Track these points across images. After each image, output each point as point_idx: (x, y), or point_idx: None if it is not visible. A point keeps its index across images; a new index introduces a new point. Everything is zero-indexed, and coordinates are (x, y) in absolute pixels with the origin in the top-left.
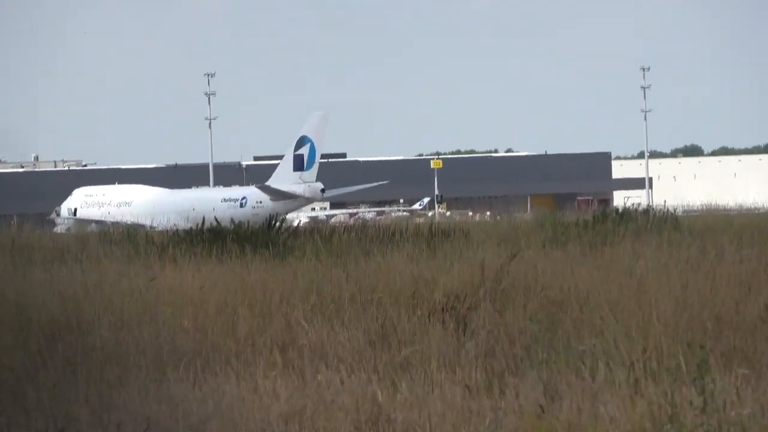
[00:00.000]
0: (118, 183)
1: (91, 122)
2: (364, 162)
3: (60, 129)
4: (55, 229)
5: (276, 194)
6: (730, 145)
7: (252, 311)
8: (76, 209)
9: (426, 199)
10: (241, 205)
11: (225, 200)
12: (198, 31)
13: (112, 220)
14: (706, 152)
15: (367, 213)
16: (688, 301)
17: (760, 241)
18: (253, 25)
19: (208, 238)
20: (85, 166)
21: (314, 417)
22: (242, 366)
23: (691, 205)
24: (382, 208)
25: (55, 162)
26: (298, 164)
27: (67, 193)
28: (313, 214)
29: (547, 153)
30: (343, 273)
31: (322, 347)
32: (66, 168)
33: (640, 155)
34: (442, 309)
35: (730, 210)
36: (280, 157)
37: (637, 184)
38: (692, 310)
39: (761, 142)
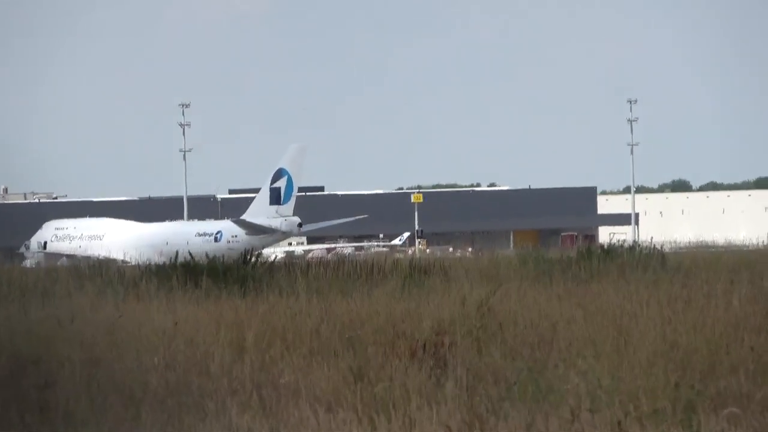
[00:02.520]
0: (90, 216)
1: (63, 153)
2: (342, 196)
3: (30, 160)
4: (24, 263)
5: (252, 228)
6: (718, 181)
7: (227, 348)
8: (46, 243)
9: (406, 234)
10: (216, 240)
11: (199, 234)
12: (173, 61)
13: (83, 254)
14: (694, 187)
15: (346, 248)
16: (675, 340)
17: (750, 278)
18: (229, 56)
19: (182, 274)
20: (56, 198)
21: None
22: (216, 405)
23: (678, 241)
24: (361, 243)
25: (24, 194)
26: (275, 198)
27: (37, 226)
28: (290, 248)
29: (531, 187)
30: (320, 309)
31: (299, 385)
32: (36, 200)
33: (627, 190)
34: (422, 346)
35: (719, 246)
36: (257, 190)
37: (623, 219)
38: (678, 350)
39: (750, 178)
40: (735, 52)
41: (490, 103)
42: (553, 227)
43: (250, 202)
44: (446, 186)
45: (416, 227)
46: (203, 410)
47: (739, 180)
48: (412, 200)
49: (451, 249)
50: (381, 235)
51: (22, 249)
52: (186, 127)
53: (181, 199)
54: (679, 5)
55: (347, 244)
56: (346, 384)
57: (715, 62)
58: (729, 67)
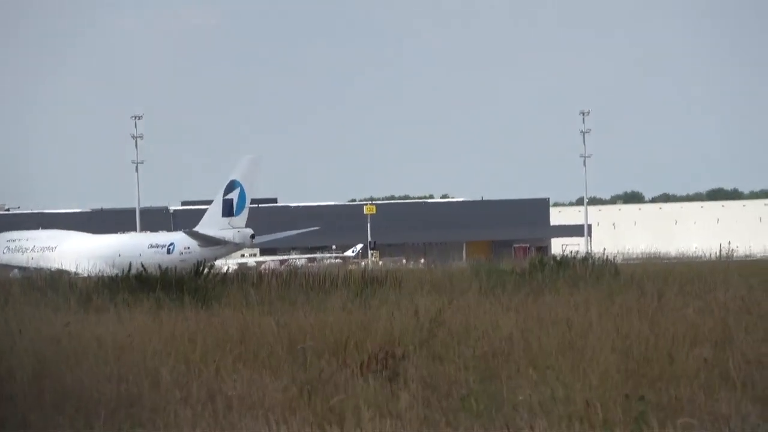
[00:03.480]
0: (42, 228)
1: (14, 165)
2: (295, 207)
3: None
4: None
5: (204, 240)
6: (671, 192)
7: (179, 360)
8: None
9: (359, 246)
10: (169, 251)
11: (152, 246)
12: (125, 73)
13: (35, 265)
14: (646, 199)
15: (299, 260)
16: (628, 351)
17: (702, 289)
18: (182, 68)
19: (134, 285)
20: (8, 210)
21: None
22: (168, 416)
23: (631, 252)
24: (314, 255)
25: None
26: (228, 209)
27: None
28: (243, 260)
29: (484, 199)
30: (273, 321)
31: (251, 397)
32: None
33: (579, 201)
34: (375, 357)
35: (671, 258)
36: (209, 202)
37: (575, 231)
38: (632, 360)
39: (702, 190)
40: (688, 63)
41: (443, 114)
42: (506, 239)
43: (203, 214)
44: (399, 197)
45: (369, 239)
46: (155, 422)
47: (691, 192)
48: (365, 212)
49: (404, 260)
50: (334, 247)
51: None
52: (138, 138)
53: (133, 210)
54: (630, 16)
55: (300, 256)
56: (299, 395)
57: (668, 74)
58: (682, 79)
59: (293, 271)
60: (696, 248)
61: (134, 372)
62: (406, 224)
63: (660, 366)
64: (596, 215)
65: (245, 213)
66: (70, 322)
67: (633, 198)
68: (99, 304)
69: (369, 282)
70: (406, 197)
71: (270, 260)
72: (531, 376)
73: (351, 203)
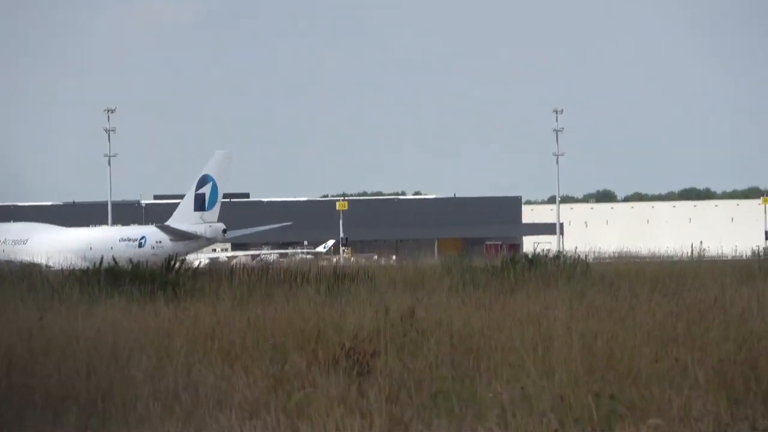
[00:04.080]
0: (14, 220)
1: None
2: (267, 202)
3: None
4: None
5: (176, 234)
6: (643, 191)
7: (150, 354)
8: None
9: (331, 242)
10: (140, 245)
11: (123, 239)
12: (99, 67)
13: (6, 258)
14: (619, 198)
15: (270, 255)
16: (598, 350)
17: (673, 289)
18: (156, 63)
19: (106, 278)
20: None
21: None
22: (139, 411)
23: (603, 251)
24: (286, 251)
25: None
26: (200, 204)
27: None
28: (214, 255)
29: (456, 196)
30: (244, 316)
31: (222, 392)
32: None
33: (552, 200)
34: (346, 354)
35: (643, 257)
36: (181, 197)
37: (547, 229)
38: (601, 359)
39: (675, 189)
40: (662, 63)
41: (416, 111)
42: (478, 236)
43: (175, 208)
44: (371, 194)
45: (341, 235)
46: (126, 417)
47: (664, 191)
48: (337, 208)
49: (375, 257)
50: (306, 243)
51: None
52: (111, 132)
53: (105, 204)
54: (605, 14)
55: (272, 251)
56: (269, 391)
57: (641, 73)
58: (654, 78)
59: (265, 267)
60: (668, 247)
61: (105, 366)
62: (378, 221)
63: (630, 365)
64: (568, 214)
65: (217, 208)
66: (43, 316)
67: (605, 197)
68: (70, 298)
69: (340, 278)
70: (379, 194)
71: (242, 255)
72: (502, 373)
73: (323, 199)
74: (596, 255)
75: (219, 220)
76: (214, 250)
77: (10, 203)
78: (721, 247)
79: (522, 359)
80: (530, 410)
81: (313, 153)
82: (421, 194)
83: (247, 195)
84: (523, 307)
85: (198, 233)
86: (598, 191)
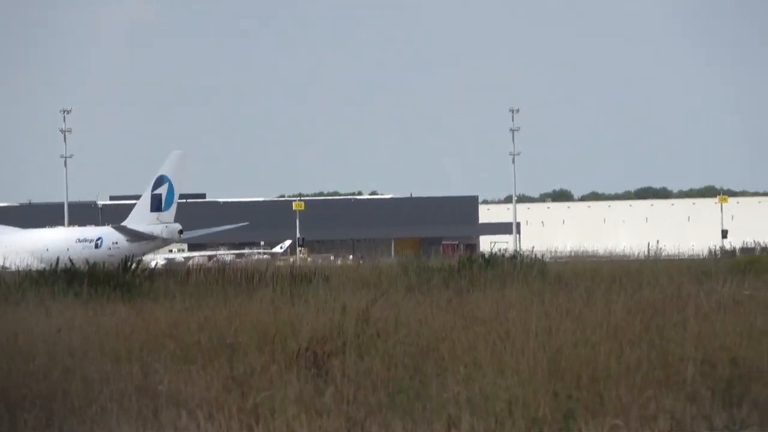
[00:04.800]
0: None
1: None
2: (223, 203)
3: None
4: None
5: (132, 235)
6: (600, 191)
7: (107, 355)
8: None
9: (288, 242)
10: (97, 246)
11: (80, 240)
12: (55, 66)
13: None
14: (575, 197)
15: (227, 255)
16: (556, 349)
17: (630, 288)
18: (112, 62)
19: (63, 280)
20: None
21: None
22: (96, 412)
23: (559, 250)
24: (242, 251)
25: None
26: (156, 204)
27: None
28: (171, 255)
29: (413, 196)
30: (200, 316)
31: (179, 393)
32: None
33: (508, 199)
34: (303, 354)
35: (600, 256)
36: (138, 197)
37: (504, 228)
38: (559, 359)
39: (631, 188)
40: (616, 62)
41: (372, 110)
42: (435, 236)
43: (131, 209)
44: (328, 194)
45: (298, 235)
46: (82, 418)
47: (620, 190)
48: (293, 208)
49: (332, 257)
50: (262, 243)
51: None
52: (67, 133)
53: (61, 205)
54: (559, 14)
55: (228, 252)
56: (226, 391)
57: (597, 72)
58: (609, 78)
59: (221, 267)
60: (624, 247)
61: (62, 367)
62: (335, 221)
63: (588, 365)
64: (525, 213)
65: (174, 208)
66: None
67: (562, 196)
68: (26, 299)
69: (297, 278)
70: (335, 194)
71: (198, 256)
72: (459, 373)
73: (280, 199)
74: (553, 254)
75: (175, 221)
76: (171, 251)
77: None
78: (678, 246)
79: (479, 359)
80: (487, 410)
81: (269, 153)
82: (377, 194)
83: (203, 195)
84: (481, 306)
85: (154, 234)
86: (554, 191)
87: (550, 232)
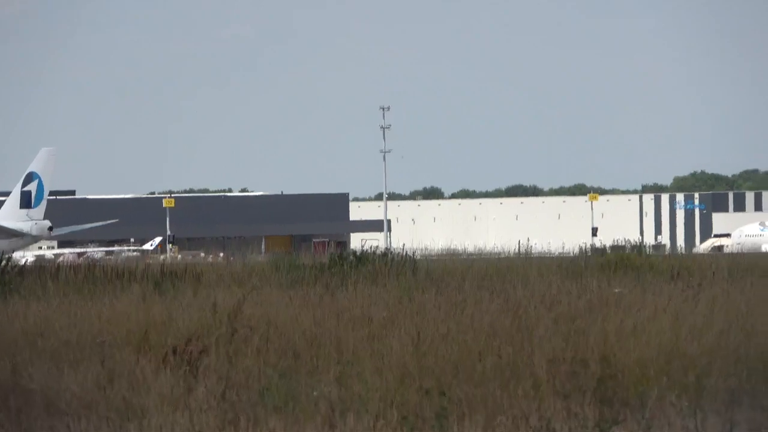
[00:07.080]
0: None
1: None
2: (93, 200)
3: None
4: None
5: (1, 232)
6: (470, 188)
7: None
8: None
9: (158, 239)
10: None
11: None
12: None
13: None
14: (446, 195)
15: (97, 253)
16: (428, 347)
17: (500, 286)
18: None
19: None
20: None
21: None
22: None
23: (430, 248)
24: (112, 248)
25: None
26: (26, 201)
27: None
28: (40, 252)
29: (283, 193)
30: (70, 314)
31: (49, 392)
32: None
33: (379, 197)
34: (173, 352)
35: (470, 254)
36: (7, 194)
37: (375, 226)
38: (432, 357)
39: (502, 186)
40: (490, 59)
41: (243, 107)
42: (306, 233)
43: (1, 206)
44: (198, 191)
45: (168, 232)
46: None
47: (491, 188)
48: (163, 205)
49: (202, 254)
50: (132, 240)
51: None
52: None
53: None
54: (430, 9)
55: (98, 249)
56: (97, 390)
57: (469, 70)
58: (481, 76)
59: (91, 264)
60: (495, 244)
61: None
62: (205, 218)
63: (460, 363)
64: (396, 211)
65: (43, 205)
66: None
67: (432, 194)
68: None
69: (168, 275)
70: (205, 191)
71: (68, 252)
72: (331, 371)
73: (150, 196)
74: (424, 252)
75: (45, 218)
76: (41, 248)
77: None
78: (549, 243)
79: (351, 357)
80: (358, 408)
81: (139, 150)
82: (247, 191)
83: (73, 192)
84: (352, 304)
85: (24, 230)
86: (425, 188)
87: (421, 229)
